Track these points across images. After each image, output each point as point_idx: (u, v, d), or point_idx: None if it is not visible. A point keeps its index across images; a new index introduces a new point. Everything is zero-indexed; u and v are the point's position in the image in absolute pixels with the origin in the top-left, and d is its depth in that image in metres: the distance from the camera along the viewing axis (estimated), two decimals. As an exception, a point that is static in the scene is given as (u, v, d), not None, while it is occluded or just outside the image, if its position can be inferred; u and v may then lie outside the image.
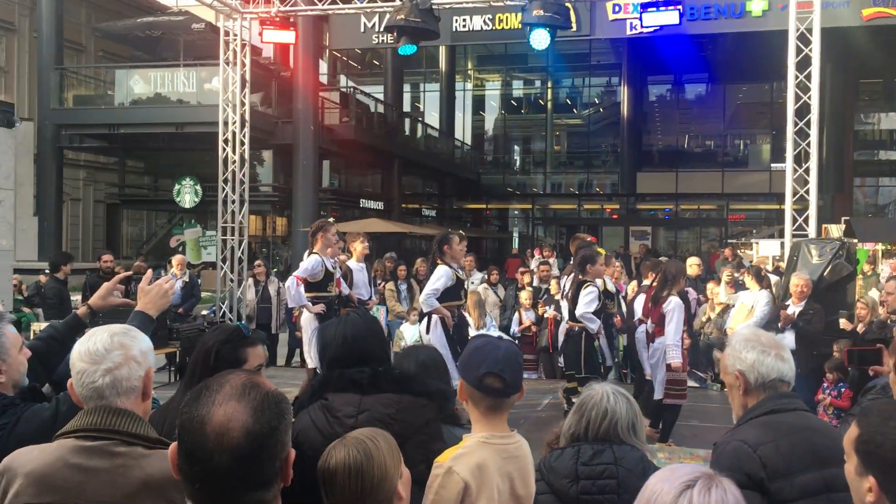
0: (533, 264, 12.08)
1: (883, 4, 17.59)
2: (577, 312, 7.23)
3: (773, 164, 28.71)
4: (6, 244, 10.85)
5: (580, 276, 7.45)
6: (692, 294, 10.02)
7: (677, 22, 10.44)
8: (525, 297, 10.86)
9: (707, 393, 9.65)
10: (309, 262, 8.01)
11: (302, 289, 7.91)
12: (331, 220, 9.68)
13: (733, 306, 9.62)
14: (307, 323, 8.15)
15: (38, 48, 21.42)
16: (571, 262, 8.45)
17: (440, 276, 7.37)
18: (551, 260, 13.57)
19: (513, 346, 2.58)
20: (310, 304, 7.96)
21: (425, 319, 7.41)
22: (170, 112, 19.57)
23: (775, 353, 2.64)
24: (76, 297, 10.59)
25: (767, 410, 2.61)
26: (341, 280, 8.66)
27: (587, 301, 7.11)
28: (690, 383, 9.66)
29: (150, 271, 4.77)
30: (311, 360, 8.06)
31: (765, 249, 14.96)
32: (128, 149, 22.68)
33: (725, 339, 9.45)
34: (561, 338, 8.21)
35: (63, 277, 10.12)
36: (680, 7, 10.55)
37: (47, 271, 12.46)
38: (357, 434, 2.01)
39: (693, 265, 11.15)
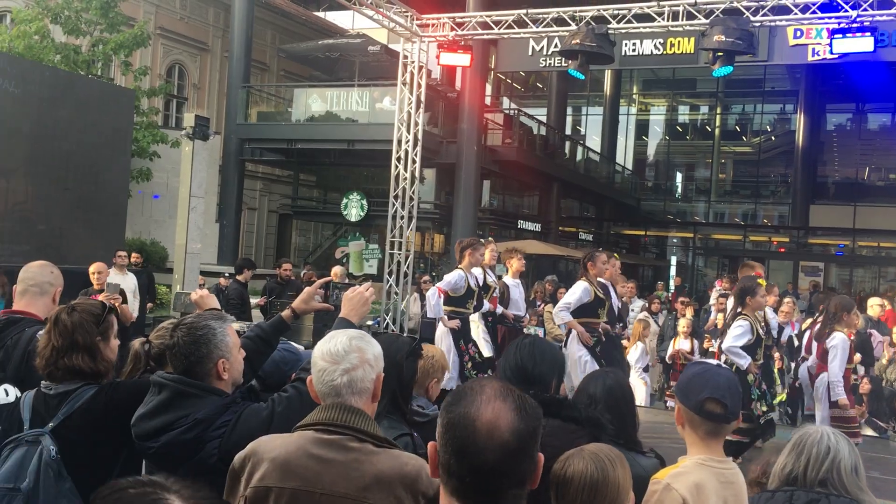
0: (713, 297, 11.70)
1: None
2: (724, 346, 6.86)
3: (965, 202, 26.56)
4: (197, 247, 11.78)
5: (739, 308, 7.11)
6: (877, 337, 9.39)
7: (871, 49, 9.70)
8: (683, 325, 10.56)
9: (888, 444, 8.97)
10: (452, 276, 8.07)
11: (441, 300, 7.97)
12: (483, 239, 9.73)
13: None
14: (440, 338, 8.09)
15: (228, 67, 23.12)
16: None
17: (576, 291, 7.39)
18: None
19: (732, 374, 2.57)
20: (446, 317, 7.98)
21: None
22: (343, 129, 20.40)
23: None
24: (254, 300, 11.31)
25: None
26: (497, 298, 8.69)
27: (736, 335, 6.69)
28: (869, 432, 9.07)
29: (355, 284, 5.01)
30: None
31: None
32: (302, 163, 23.87)
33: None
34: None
35: (244, 281, 10.85)
36: (871, 33, 9.90)
37: (227, 274, 13.38)
38: (594, 449, 2.04)
39: (874, 306, 10.43)
